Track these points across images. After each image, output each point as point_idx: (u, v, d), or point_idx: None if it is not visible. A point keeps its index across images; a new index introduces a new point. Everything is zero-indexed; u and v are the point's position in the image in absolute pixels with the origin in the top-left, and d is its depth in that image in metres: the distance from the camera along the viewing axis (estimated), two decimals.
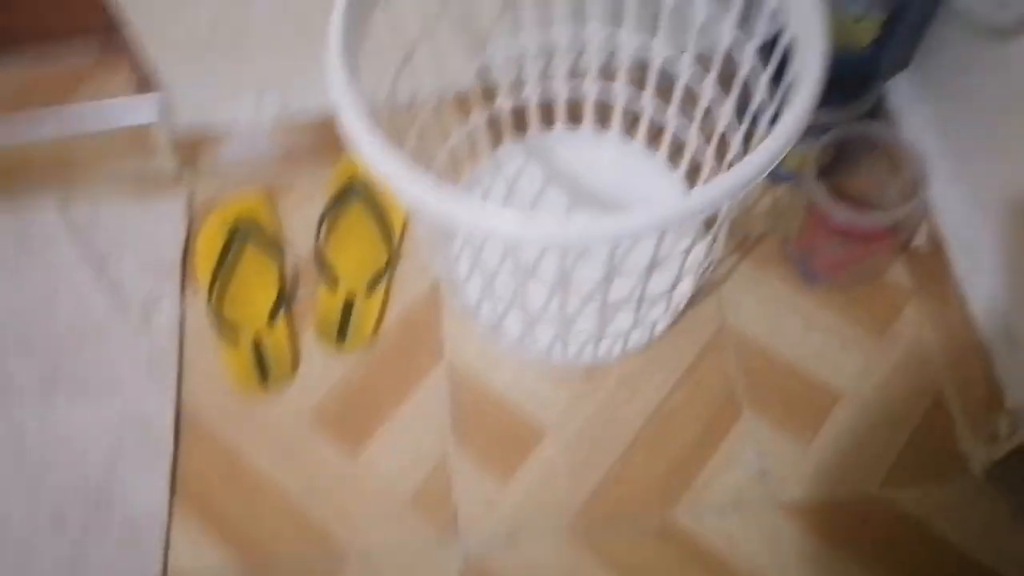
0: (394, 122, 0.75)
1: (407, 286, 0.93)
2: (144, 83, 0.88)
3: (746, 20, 0.72)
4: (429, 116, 0.81)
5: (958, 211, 0.81)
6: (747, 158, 0.54)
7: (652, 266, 0.64)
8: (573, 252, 0.66)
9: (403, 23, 0.71)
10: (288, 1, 0.79)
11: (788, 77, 0.62)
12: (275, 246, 0.93)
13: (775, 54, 0.66)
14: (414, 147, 0.80)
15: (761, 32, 0.69)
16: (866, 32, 0.76)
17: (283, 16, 0.80)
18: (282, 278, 0.91)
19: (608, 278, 0.64)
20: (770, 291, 0.91)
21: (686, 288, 0.82)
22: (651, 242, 0.59)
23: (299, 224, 0.96)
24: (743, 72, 0.73)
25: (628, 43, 0.84)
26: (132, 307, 0.91)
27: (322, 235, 0.93)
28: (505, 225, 0.54)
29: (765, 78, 0.69)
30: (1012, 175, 0.73)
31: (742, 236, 0.94)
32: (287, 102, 0.91)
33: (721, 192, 0.53)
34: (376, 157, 0.55)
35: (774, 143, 0.54)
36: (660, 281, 0.71)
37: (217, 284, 0.90)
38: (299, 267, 0.93)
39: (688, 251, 0.67)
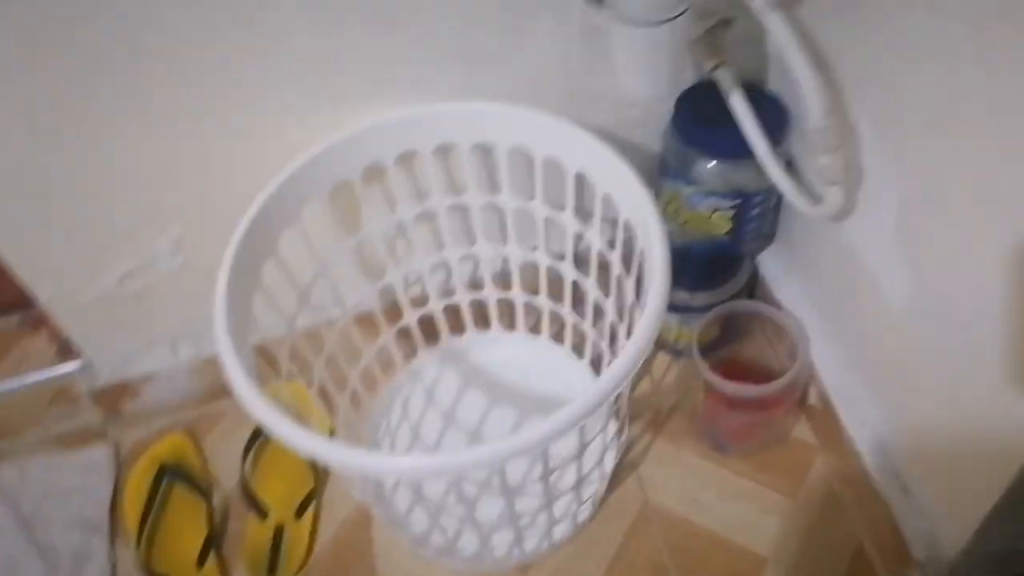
0: (301, 351, 0.80)
1: (336, 505, 0.94)
2: (64, 347, 0.92)
3: (606, 231, 0.80)
4: (336, 340, 0.86)
5: (836, 371, 0.87)
6: (613, 364, 0.59)
7: (553, 470, 0.68)
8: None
9: (298, 267, 0.77)
10: (191, 257, 0.85)
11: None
12: (202, 485, 0.95)
13: (634, 258, 0.73)
14: (324, 372, 0.84)
15: (620, 240, 0.76)
16: (722, 222, 0.84)
17: (188, 270, 0.86)
18: (210, 518, 0.92)
19: (509, 493, 0.67)
20: (686, 465, 0.94)
21: (600, 476, 0.86)
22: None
23: (226, 458, 0.98)
24: (615, 274, 0.80)
25: (515, 253, 0.91)
26: (61, 565, 0.90)
27: (248, 466, 0.95)
28: (392, 466, 0.58)
29: (630, 282, 0.75)
30: (871, 334, 0.80)
31: (653, 413, 0.98)
32: (201, 345, 0.95)
33: (564, 423, 0.57)
34: (255, 410, 0.59)
35: (629, 354, 0.59)
36: (569, 477, 0.75)
37: (145, 532, 0.91)
38: (228, 501, 0.95)
39: (583, 450, 0.71)
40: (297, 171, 0.73)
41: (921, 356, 0.71)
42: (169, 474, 0.94)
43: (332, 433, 0.97)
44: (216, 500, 0.95)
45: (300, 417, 0.59)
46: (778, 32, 0.58)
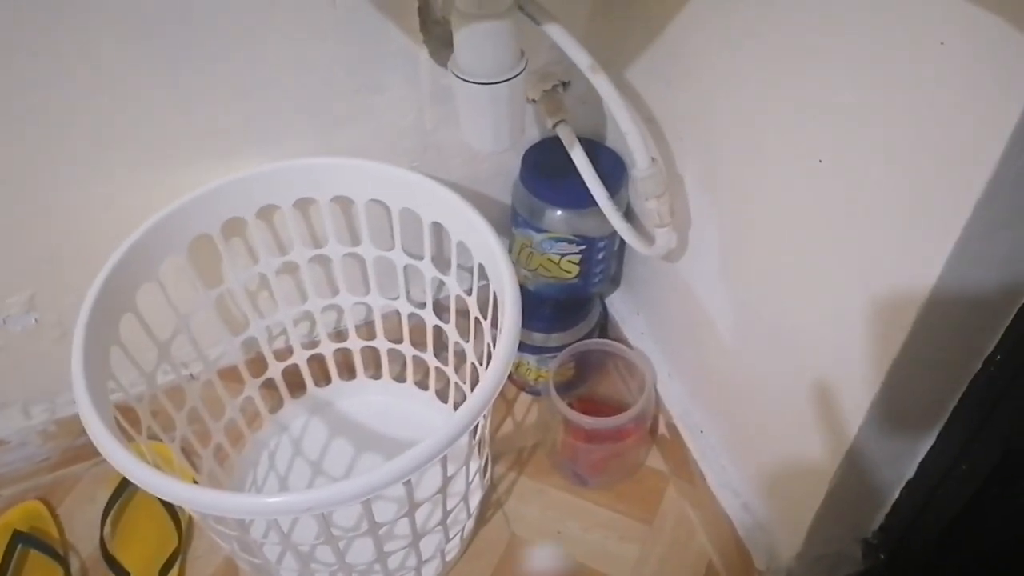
0: (162, 407, 0.80)
1: (202, 563, 0.93)
2: None
3: (464, 277, 0.84)
4: (199, 395, 0.86)
5: (681, 401, 0.94)
6: (472, 395, 0.63)
7: (419, 505, 0.70)
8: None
9: (157, 322, 0.78)
10: (44, 315, 0.84)
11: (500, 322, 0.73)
12: (59, 551, 0.92)
13: (489, 303, 0.77)
14: (186, 428, 0.84)
15: (476, 285, 0.81)
16: (571, 266, 0.90)
17: (42, 329, 0.84)
18: None
19: (377, 531, 0.69)
20: (549, 499, 0.98)
21: (466, 513, 0.88)
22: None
23: (83, 523, 0.95)
24: (473, 318, 0.85)
25: (378, 302, 0.94)
26: None
27: (107, 530, 0.93)
28: (257, 506, 0.59)
29: (487, 326, 0.80)
30: (708, 365, 0.87)
31: (516, 451, 1.02)
32: (56, 406, 0.93)
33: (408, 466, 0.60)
34: (119, 460, 0.59)
35: (483, 388, 0.63)
36: (435, 514, 0.77)
37: None
38: (86, 568, 0.92)
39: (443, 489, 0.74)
40: (154, 226, 0.74)
41: (751, 382, 0.79)
42: (23, 541, 0.91)
43: None
44: (74, 566, 0.92)
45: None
46: (603, 91, 0.65)
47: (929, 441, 0.66)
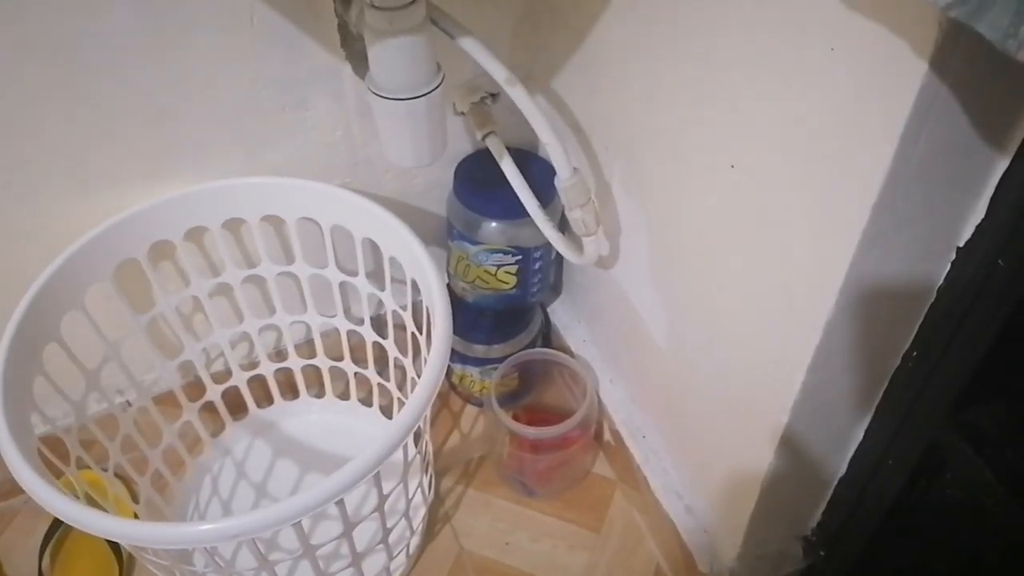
0: (94, 437, 0.78)
1: None
2: None
3: (399, 293, 0.84)
4: (133, 422, 0.85)
5: (623, 406, 0.94)
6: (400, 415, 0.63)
7: (355, 525, 0.69)
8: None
9: (84, 350, 0.76)
10: None
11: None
12: None
13: (423, 316, 0.77)
14: (121, 457, 0.82)
15: (410, 300, 0.81)
16: (508, 276, 0.90)
17: None
18: None
19: (312, 553, 0.69)
20: (497, 511, 0.98)
21: (409, 530, 0.88)
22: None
23: (22, 558, 0.93)
24: (411, 332, 0.84)
25: (316, 320, 0.93)
26: None
27: (46, 562, 0.91)
28: (187, 534, 0.58)
29: (423, 339, 0.79)
30: (646, 370, 0.88)
31: (463, 464, 1.02)
32: None
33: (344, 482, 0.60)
34: (44, 497, 0.58)
35: (414, 402, 0.63)
36: (375, 532, 0.77)
37: None
38: None
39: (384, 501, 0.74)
40: (76, 253, 0.73)
41: (686, 384, 0.79)
42: None
43: (135, 518, 0.94)
44: None
45: (95, 506, 0.59)
46: (520, 103, 0.65)
47: (858, 437, 0.67)
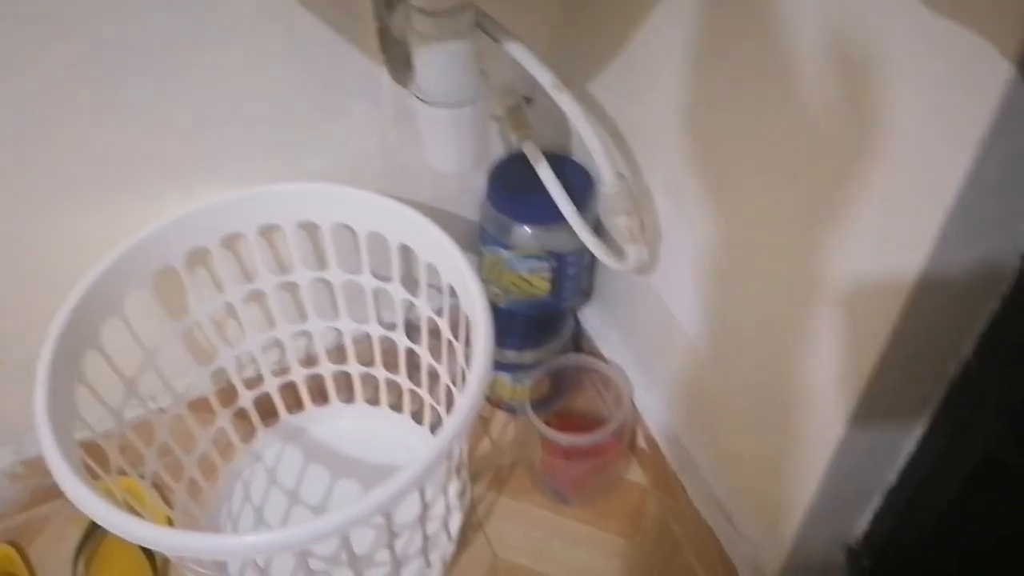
0: (131, 443, 0.78)
1: None
2: None
3: (434, 298, 0.83)
4: (169, 429, 0.84)
5: (658, 413, 0.93)
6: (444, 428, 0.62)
7: (397, 535, 0.69)
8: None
9: (123, 357, 0.76)
10: (5, 356, 0.81)
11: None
12: None
13: (460, 322, 0.76)
14: (157, 463, 0.82)
15: (447, 306, 0.80)
16: (542, 282, 0.89)
17: (3, 369, 0.82)
18: None
19: (356, 563, 0.68)
20: (531, 518, 0.97)
21: (446, 537, 0.87)
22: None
23: (55, 564, 0.93)
24: (445, 339, 0.83)
25: (348, 326, 0.93)
26: None
27: (79, 569, 0.90)
28: (232, 546, 0.57)
29: (460, 346, 0.79)
30: (684, 376, 0.87)
31: (495, 471, 1.01)
32: (22, 447, 0.90)
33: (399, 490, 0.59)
34: (86, 504, 0.57)
35: (460, 412, 0.63)
36: (415, 541, 0.76)
37: None
38: None
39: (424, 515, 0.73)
40: (116, 260, 0.72)
41: (728, 393, 0.78)
42: None
43: (170, 524, 0.94)
44: None
45: (134, 512, 0.58)
46: (568, 109, 0.64)
47: (909, 447, 0.66)
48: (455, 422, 0.62)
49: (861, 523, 0.75)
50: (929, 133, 0.44)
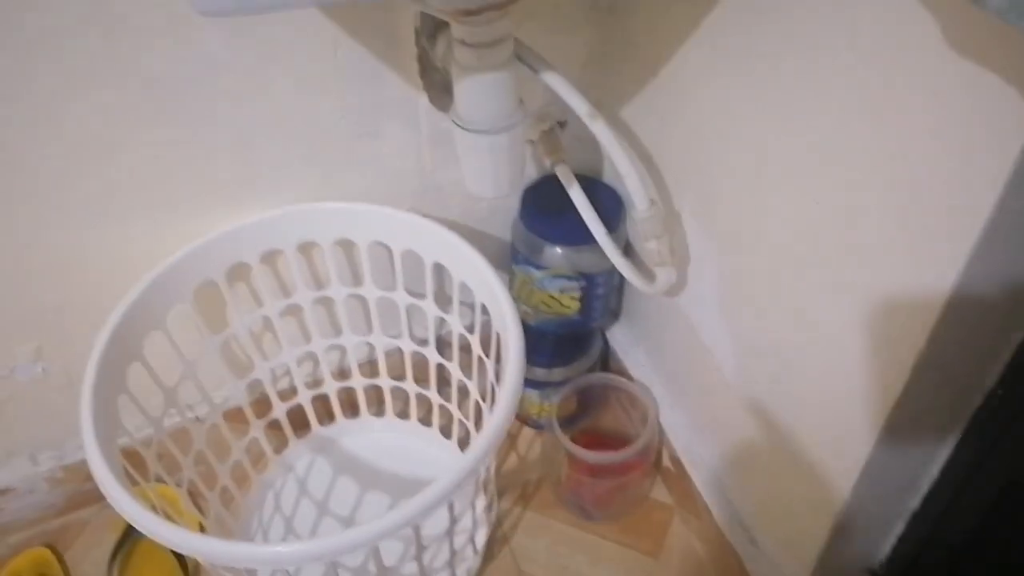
0: (168, 450, 0.80)
1: None
2: None
3: (465, 315, 0.85)
4: (205, 438, 0.86)
5: (684, 433, 0.94)
6: (475, 443, 0.64)
7: (426, 548, 0.70)
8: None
9: (164, 368, 0.78)
10: (51, 365, 0.84)
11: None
12: None
13: (491, 340, 0.78)
14: (192, 471, 0.84)
15: (478, 323, 0.82)
16: (571, 302, 0.91)
17: (49, 378, 0.85)
18: None
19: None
20: (556, 534, 0.99)
21: (473, 551, 0.89)
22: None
23: (91, 568, 0.95)
24: (476, 355, 0.85)
25: (381, 341, 0.95)
26: None
27: (114, 574, 0.93)
28: (265, 555, 0.59)
29: (490, 363, 0.80)
30: (710, 397, 0.88)
31: (521, 487, 1.02)
32: (64, 453, 0.93)
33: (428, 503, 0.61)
34: (127, 509, 0.60)
35: (490, 428, 0.64)
36: (442, 554, 0.77)
37: None
38: None
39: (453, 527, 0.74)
40: (160, 275, 0.75)
41: (753, 413, 0.79)
42: None
43: (203, 531, 0.96)
44: None
45: (170, 519, 0.60)
46: (602, 137, 0.66)
47: (933, 472, 0.67)
48: (485, 440, 0.63)
49: (884, 547, 0.75)
50: (960, 167, 0.45)
